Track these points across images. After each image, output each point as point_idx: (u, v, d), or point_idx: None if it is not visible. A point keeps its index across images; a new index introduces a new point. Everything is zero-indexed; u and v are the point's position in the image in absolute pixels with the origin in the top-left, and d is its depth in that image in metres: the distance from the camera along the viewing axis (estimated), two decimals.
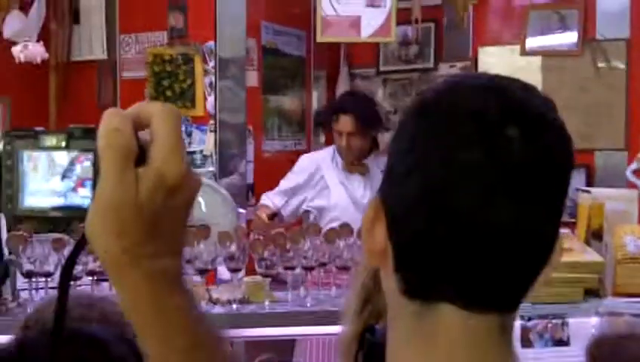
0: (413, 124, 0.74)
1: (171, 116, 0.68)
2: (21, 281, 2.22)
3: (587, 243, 2.56)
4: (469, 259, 0.70)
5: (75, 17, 4.47)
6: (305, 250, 2.35)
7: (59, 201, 0.55)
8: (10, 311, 2.17)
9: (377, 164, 3.42)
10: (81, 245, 0.69)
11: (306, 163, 3.56)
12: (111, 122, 0.66)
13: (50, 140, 0.53)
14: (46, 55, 3.86)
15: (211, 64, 4.09)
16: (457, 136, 0.70)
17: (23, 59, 3.73)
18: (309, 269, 2.36)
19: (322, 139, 5.00)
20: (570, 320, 2.33)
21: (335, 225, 3.03)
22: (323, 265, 2.39)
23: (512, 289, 0.74)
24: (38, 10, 3.94)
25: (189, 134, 4.18)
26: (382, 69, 4.89)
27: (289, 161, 4.56)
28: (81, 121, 4.54)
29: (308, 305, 2.31)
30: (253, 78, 4.33)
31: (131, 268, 0.68)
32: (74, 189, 0.53)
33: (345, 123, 3.36)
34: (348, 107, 3.41)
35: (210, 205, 2.71)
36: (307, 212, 3.53)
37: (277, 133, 4.64)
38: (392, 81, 4.89)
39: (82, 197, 0.53)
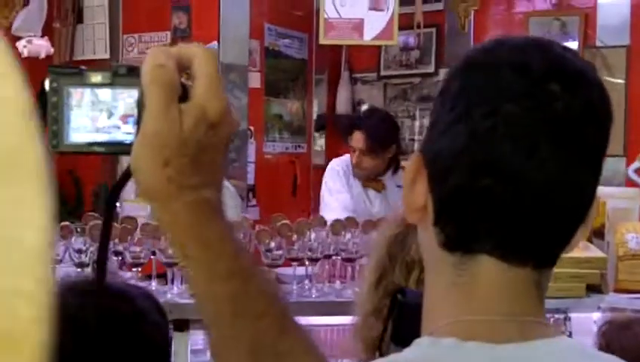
0: (458, 79, 0.75)
1: (211, 58, 0.72)
2: None
3: (589, 241, 2.58)
4: (511, 210, 0.71)
5: (79, 17, 4.49)
6: (311, 242, 2.36)
7: (103, 137, 0.56)
8: None
9: (395, 181, 3.40)
10: (127, 177, 0.71)
11: (337, 164, 3.50)
12: (156, 59, 0.69)
13: (96, 77, 0.54)
14: (51, 50, 3.87)
15: None
16: (502, 88, 0.71)
17: (26, 54, 3.73)
18: (314, 261, 2.37)
19: (322, 142, 5.03)
20: (573, 315, 2.35)
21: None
22: (328, 257, 2.40)
23: (550, 243, 0.75)
24: (39, 3, 3.95)
25: None
26: (383, 73, 4.92)
27: (290, 163, 4.60)
28: None
29: (313, 296, 2.32)
30: (255, 80, 4.35)
31: (176, 197, 0.70)
32: (117, 126, 0.55)
33: (358, 139, 3.32)
34: (362, 124, 3.37)
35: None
36: None
37: (278, 135, 4.65)
38: (393, 86, 4.92)
39: (125, 133, 0.54)
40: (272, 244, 2.36)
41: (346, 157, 3.49)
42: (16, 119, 0.28)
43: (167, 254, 2.26)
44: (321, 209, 3.44)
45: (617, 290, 2.43)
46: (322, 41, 3.98)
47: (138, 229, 2.39)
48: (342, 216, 3.23)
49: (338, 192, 3.38)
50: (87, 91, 0.71)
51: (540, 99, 0.70)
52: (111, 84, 0.70)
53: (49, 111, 0.69)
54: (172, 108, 0.69)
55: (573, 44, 4.30)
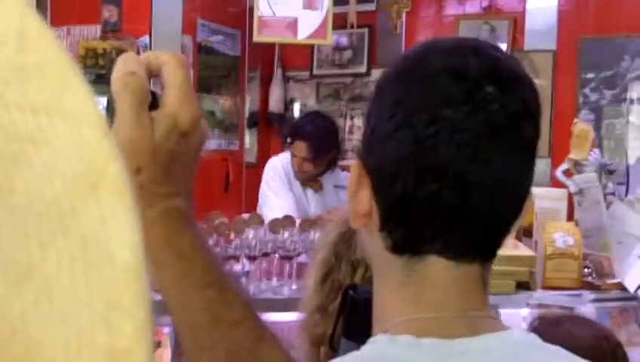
0: (395, 87, 0.77)
1: (182, 64, 0.72)
2: None
3: (518, 239, 2.65)
4: (459, 213, 0.73)
5: None
6: (249, 240, 2.36)
7: None
8: None
9: (333, 181, 3.43)
10: None
11: (277, 163, 3.50)
12: (127, 66, 0.69)
13: None
14: None
15: None
16: (441, 94, 0.73)
17: None
18: (252, 259, 2.36)
19: (254, 139, 5.02)
20: (502, 311, 2.40)
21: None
22: (266, 255, 2.40)
23: (494, 239, 0.78)
24: None
25: None
26: (315, 72, 4.94)
27: (222, 160, 4.56)
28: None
29: (250, 294, 2.32)
30: None
31: (147, 205, 0.70)
32: None
33: (299, 148, 3.32)
34: (304, 134, 3.36)
35: None
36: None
37: (210, 132, 4.62)
38: (325, 85, 4.94)
39: None
40: (210, 242, 2.35)
41: (286, 155, 3.49)
42: (97, 135, 0.28)
43: None
44: (260, 206, 3.42)
45: (545, 287, 2.51)
46: (256, 39, 3.96)
47: None
48: (290, 208, 3.21)
49: (283, 196, 3.38)
50: None
51: (478, 103, 0.72)
52: None
53: None
54: (144, 116, 0.69)
55: (502, 47, 4.40)
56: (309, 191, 3.45)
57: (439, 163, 0.72)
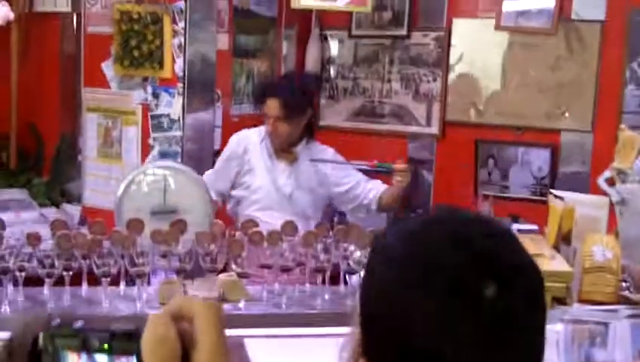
0: (381, 273, 0.77)
1: (214, 315, 0.69)
2: None
3: (556, 247, 2.61)
4: None
5: None
6: (282, 250, 2.36)
7: None
8: None
9: (309, 154, 3.34)
10: None
11: (234, 145, 3.44)
12: (156, 330, 0.67)
13: (94, 342, 0.50)
14: (11, 16, 3.71)
15: (181, 25, 3.99)
16: (432, 289, 0.73)
17: None
18: (286, 270, 2.37)
19: None
20: None
21: (256, 209, 3.00)
22: (300, 265, 2.40)
23: None
24: None
25: (157, 96, 4.09)
26: (354, 32, 4.82)
27: (257, 124, 4.51)
28: (43, 75, 4.42)
29: (283, 306, 2.33)
30: (223, 41, 4.23)
31: None
32: None
33: (272, 107, 3.25)
34: (275, 91, 3.29)
35: (184, 192, 2.67)
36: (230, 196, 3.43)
37: (246, 97, 4.57)
38: (364, 46, 4.83)
39: None
40: (244, 254, 2.35)
41: (256, 130, 3.41)
42: None
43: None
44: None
45: (581, 301, 2.48)
46: (294, 5, 3.86)
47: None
48: (210, 185, 3.07)
49: (215, 171, 3.40)
50: (84, 356, 0.67)
51: (473, 299, 0.72)
52: (109, 351, 0.67)
53: None
54: None
55: (548, 15, 4.24)
56: (282, 164, 3.34)
57: (435, 356, 0.73)
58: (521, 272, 0.75)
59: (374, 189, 3.28)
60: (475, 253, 0.74)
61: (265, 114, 3.30)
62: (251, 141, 3.41)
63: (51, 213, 4.17)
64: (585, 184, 3.92)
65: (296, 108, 3.25)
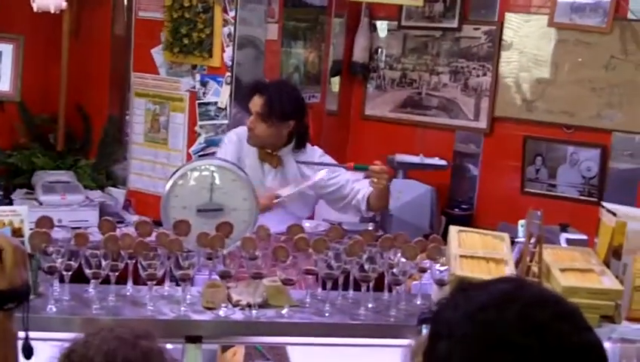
0: (446, 349, 0.79)
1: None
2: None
3: (606, 262, 2.56)
4: None
5: None
6: (328, 258, 2.35)
7: None
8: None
9: (295, 156, 3.30)
10: None
11: (234, 138, 3.38)
12: None
13: None
14: (63, 5, 3.73)
15: (231, 14, 3.98)
16: None
17: (35, 9, 3.60)
18: (330, 278, 2.36)
19: (336, 88, 4.92)
20: None
21: None
22: (344, 272, 2.39)
23: None
24: None
25: (205, 84, 4.10)
26: (404, 23, 4.76)
27: None
28: (93, 58, 4.44)
29: (327, 314, 2.32)
30: (273, 31, 4.21)
31: None
32: None
33: (256, 103, 3.23)
34: (264, 89, 3.26)
35: (230, 191, 2.67)
36: None
37: None
38: (413, 38, 4.77)
39: None
40: (288, 260, 2.34)
41: (243, 128, 3.36)
42: None
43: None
44: None
45: (629, 319, 2.44)
46: None
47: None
48: None
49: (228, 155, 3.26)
50: None
51: None
52: None
53: None
54: None
55: (602, 14, 4.13)
56: (266, 165, 3.32)
57: None
58: (587, 353, 0.77)
59: (363, 189, 3.26)
60: (544, 339, 0.74)
61: (250, 109, 3.29)
62: (245, 138, 3.37)
63: (97, 195, 4.22)
64: (635, 185, 3.84)
65: (279, 111, 3.21)
